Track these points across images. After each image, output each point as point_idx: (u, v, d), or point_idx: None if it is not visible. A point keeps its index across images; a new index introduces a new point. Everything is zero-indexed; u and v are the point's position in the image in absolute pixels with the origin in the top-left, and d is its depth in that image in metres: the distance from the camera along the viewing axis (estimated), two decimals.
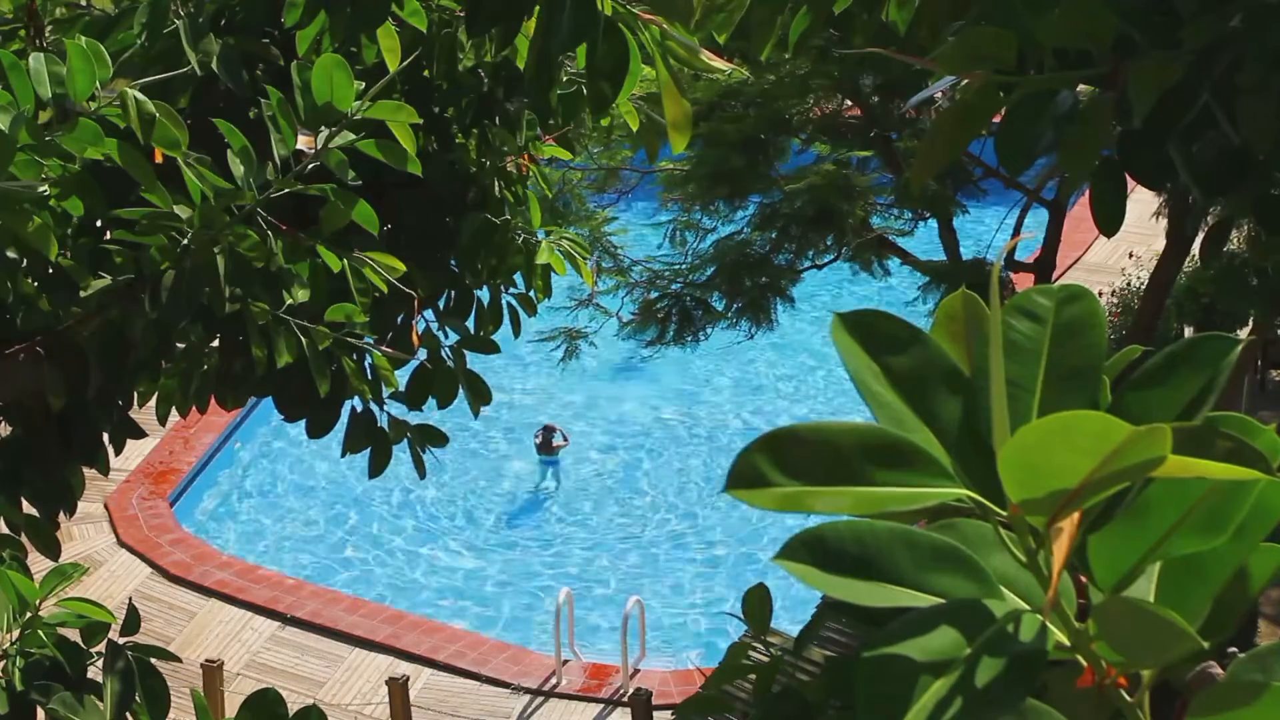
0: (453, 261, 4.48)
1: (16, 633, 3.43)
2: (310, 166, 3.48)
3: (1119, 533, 1.29)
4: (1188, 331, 15.54)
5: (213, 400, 4.17)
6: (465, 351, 4.34)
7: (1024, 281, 12.49)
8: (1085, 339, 1.35)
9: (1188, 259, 12.41)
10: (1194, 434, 1.18)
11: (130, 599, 4.17)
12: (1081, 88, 2.57)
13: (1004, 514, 1.24)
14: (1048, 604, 1.20)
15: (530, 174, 4.59)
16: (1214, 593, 1.31)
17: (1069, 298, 1.37)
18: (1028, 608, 1.25)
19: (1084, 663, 1.25)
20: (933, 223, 12.13)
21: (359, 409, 4.23)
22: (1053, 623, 1.23)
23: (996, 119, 2.56)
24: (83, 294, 3.60)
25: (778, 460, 1.24)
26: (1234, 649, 1.76)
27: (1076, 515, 1.18)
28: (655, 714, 11.48)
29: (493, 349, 4.38)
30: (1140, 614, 1.20)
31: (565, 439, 17.52)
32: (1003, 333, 1.31)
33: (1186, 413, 1.31)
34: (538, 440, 17.51)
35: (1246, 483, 1.23)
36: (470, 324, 4.51)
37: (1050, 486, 1.16)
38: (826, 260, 12.18)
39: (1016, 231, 11.92)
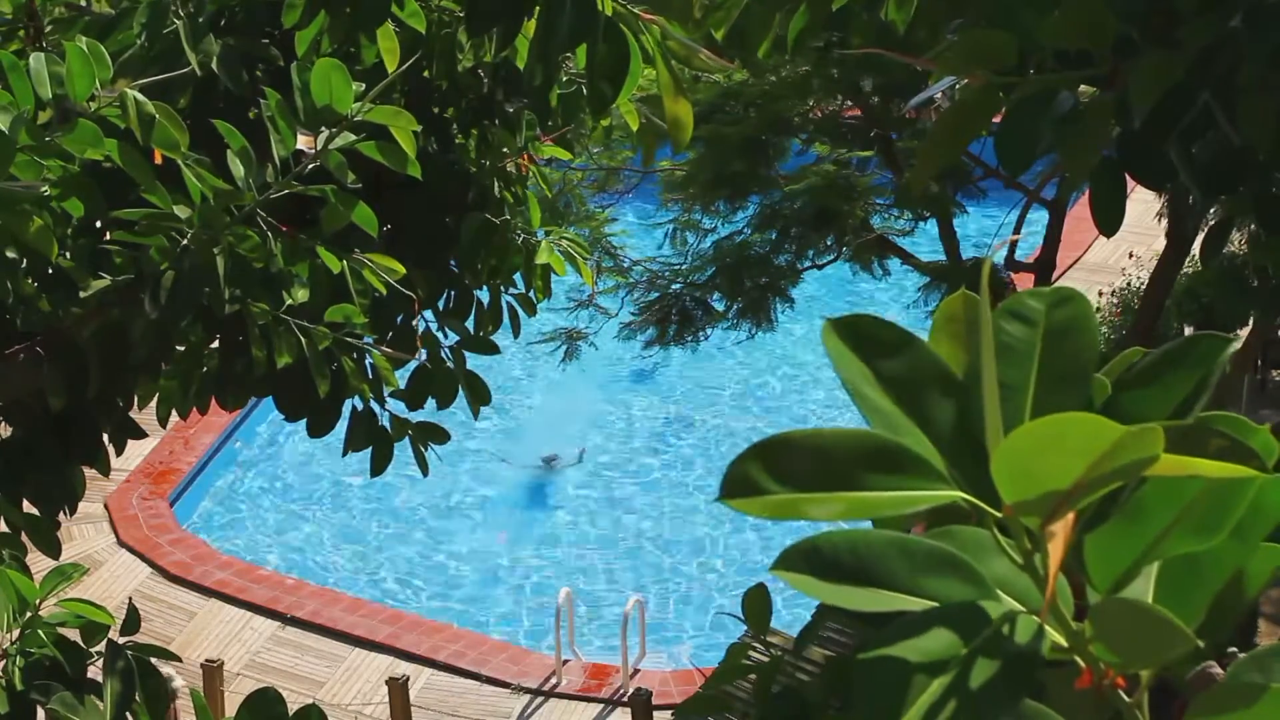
0: (452, 262, 4.48)
1: (16, 633, 3.43)
2: (310, 167, 3.48)
3: (1115, 533, 1.29)
4: (1188, 332, 15.54)
5: (213, 400, 4.17)
6: (465, 352, 4.34)
7: (1024, 281, 12.49)
8: (1077, 341, 1.35)
9: (1188, 259, 12.40)
10: (1187, 432, 1.18)
11: (130, 599, 4.17)
12: (1082, 88, 2.57)
13: (999, 515, 1.24)
14: (1045, 605, 1.20)
15: (530, 174, 4.59)
16: (1213, 593, 1.31)
17: (1060, 301, 1.38)
18: (1025, 610, 1.25)
19: (1082, 664, 1.25)
20: (933, 222, 12.13)
21: (360, 408, 4.23)
22: (1050, 624, 1.23)
23: (997, 119, 2.56)
24: (83, 294, 3.59)
25: (770, 468, 1.24)
26: (1234, 649, 1.76)
27: (1071, 516, 1.18)
28: (655, 714, 11.48)
29: (492, 350, 4.38)
30: (1137, 613, 1.20)
31: (579, 458, 17.39)
32: (995, 335, 1.31)
33: (1179, 411, 1.31)
34: (544, 455, 17.45)
35: (1243, 481, 1.23)
36: (470, 324, 4.51)
37: (1043, 488, 1.17)
38: (826, 260, 12.18)
39: (1017, 231, 11.90)
